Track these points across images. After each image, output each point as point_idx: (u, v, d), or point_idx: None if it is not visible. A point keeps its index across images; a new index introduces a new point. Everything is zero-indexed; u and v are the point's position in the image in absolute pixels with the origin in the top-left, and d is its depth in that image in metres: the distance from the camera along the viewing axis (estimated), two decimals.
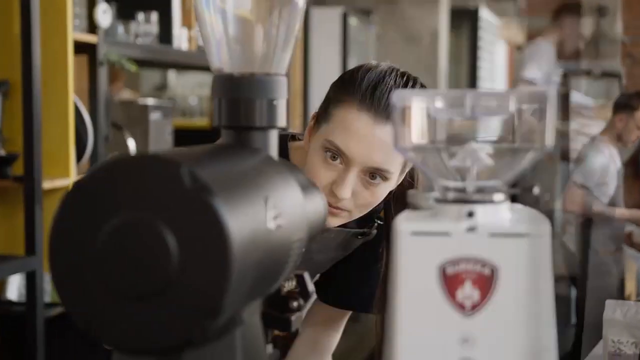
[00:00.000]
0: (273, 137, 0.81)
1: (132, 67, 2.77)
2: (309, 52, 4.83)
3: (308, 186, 0.86)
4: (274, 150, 0.81)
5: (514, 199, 0.73)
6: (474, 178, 0.71)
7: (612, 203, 4.22)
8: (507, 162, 0.71)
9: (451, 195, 0.71)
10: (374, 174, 1.25)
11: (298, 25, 0.82)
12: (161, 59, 3.19)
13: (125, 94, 4.13)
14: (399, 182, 1.33)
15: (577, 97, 4.18)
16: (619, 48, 9.79)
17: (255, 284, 0.68)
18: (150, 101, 3.19)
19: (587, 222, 4.31)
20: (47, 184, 2.45)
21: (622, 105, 4.07)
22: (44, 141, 2.45)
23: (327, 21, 5.55)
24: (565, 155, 4.72)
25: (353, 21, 5.71)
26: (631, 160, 7.08)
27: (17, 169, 2.44)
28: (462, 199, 0.70)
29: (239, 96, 0.78)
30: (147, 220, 0.61)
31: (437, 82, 5.77)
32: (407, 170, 1.33)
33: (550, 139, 0.69)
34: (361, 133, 1.22)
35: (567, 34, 4.22)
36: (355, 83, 1.25)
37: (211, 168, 0.65)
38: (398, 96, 0.70)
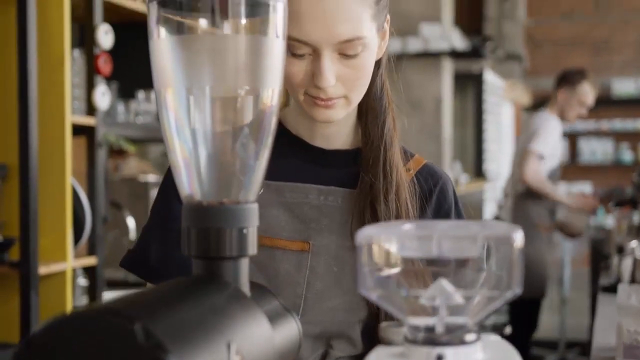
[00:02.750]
0: (244, 266, 0.79)
1: (131, 148, 2.78)
2: None
3: (279, 313, 0.84)
4: (244, 279, 0.79)
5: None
6: (444, 317, 0.69)
7: (551, 178, 4.30)
8: (478, 303, 0.69)
9: (420, 335, 0.69)
10: (348, 49, 1.13)
11: (268, 150, 0.81)
12: (160, 138, 3.20)
13: (133, 163, 4.14)
14: (383, 47, 1.23)
15: None
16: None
17: None
18: (152, 178, 3.19)
19: (525, 195, 4.32)
20: (43, 269, 2.43)
21: (564, 80, 4.29)
22: (41, 225, 2.45)
23: None
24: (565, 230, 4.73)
25: None
26: None
27: (14, 253, 2.43)
28: (432, 340, 0.68)
29: (209, 225, 0.77)
30: None
31: (442, 147, 5.77)
32: (385, 26, 1.23)
33: (518, 282, 0.67)
34: (311, 14, 1.11)
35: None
36: None
37: (168, 318, 0.64)
38: (363, 235, 0.69)
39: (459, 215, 1.33)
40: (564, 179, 10.31)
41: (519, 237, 0.67)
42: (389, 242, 0.69)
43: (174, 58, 0.78)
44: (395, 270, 0.70)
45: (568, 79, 4.33)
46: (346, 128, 1.28)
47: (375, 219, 1.21)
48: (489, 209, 6.98)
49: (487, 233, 0.68)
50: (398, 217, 1.22)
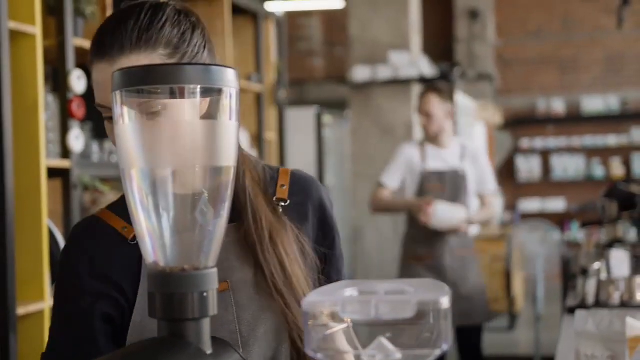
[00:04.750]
0: (205, 325, 0.87)
1: (105, 189, 2.86)
2: (285, 153, 4.94)
3: None
4: (206, 337, 0.87)
5: None
6: None
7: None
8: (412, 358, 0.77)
9: None
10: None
11: (225, 219, 0.89)
12: None
13: (110, 197, 4.19)
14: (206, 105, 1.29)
15: None
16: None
17: None
18: None
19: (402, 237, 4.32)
20: (21, 310, 2.49)
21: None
22: (18, 266, 2.51)
23: (302, 120, 5.72)
24: None
25: (327, 119, 5.86)
26: None
27: None
28: None
29: (172, 291, 0.85)
30: None
31: None
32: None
33: (446, 340, 0.76)
34: (105, 81, 1.19)
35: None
36: (92, 40, 1.24)
37: None
38: (309, 302, 0.77)
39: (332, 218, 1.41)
40: (538, 195, 10.47)
41: (445, 300, 0.76)
42: (332, 307, 0.78)
43: (137, 141, 0.86)
44: (338, 330, 0.79)
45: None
46: None
47: (259, 265, 1.28)
48: None
49: (419, 298, 0.77)
50: (280, 260, 1.28)
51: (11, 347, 2.42)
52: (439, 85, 4.28)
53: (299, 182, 1.38)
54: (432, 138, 4.18)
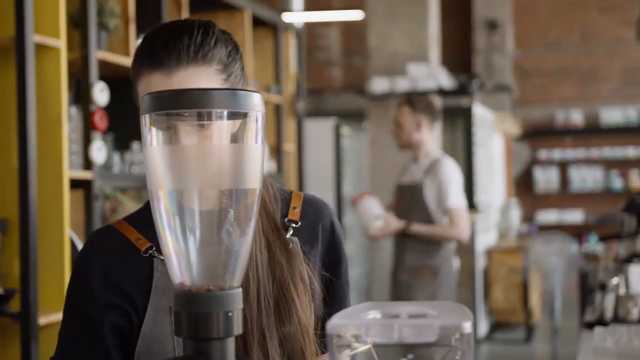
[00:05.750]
0: (230, 345, 0.89)
1: (124, 199, 2.89)
2: (303, 164, 4.96)
3: None
4: (230, 356, 0.89)
5: None
6: None
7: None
8: None
9: None
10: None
11: (250, 239, 0.91)
12: None
13: (129, 206, 4.22)
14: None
15: None
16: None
17: None
18: None
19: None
20: (43, 320, 2.52)
21: None
22: (40, 276, 2.54)
23: (320, 132, 5.74)
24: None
25: (346, 130, 5.87)
26: None
27: (14, 305, 2.52)
28: None
29: (198, 310, 0.87)
30: None
31: None
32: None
33: None
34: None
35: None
36: (138, 52, 1.27)
37: None
38: (333, 325, 0.79)
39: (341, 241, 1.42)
40: (556, 206, 10.43)
41: (468, 325, 0.77)
42: (356, 330, 0.79)
43: (165, 164, 0.88)
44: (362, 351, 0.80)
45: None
46: None
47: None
48: (481, 240, 7.07)
49: (442, 322, 0.78)
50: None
51: (33, 356, 2.45)
52: (414, 97, 4.32)
53: (311, 205, 1.39)
54: (403, 148, 4.25)
